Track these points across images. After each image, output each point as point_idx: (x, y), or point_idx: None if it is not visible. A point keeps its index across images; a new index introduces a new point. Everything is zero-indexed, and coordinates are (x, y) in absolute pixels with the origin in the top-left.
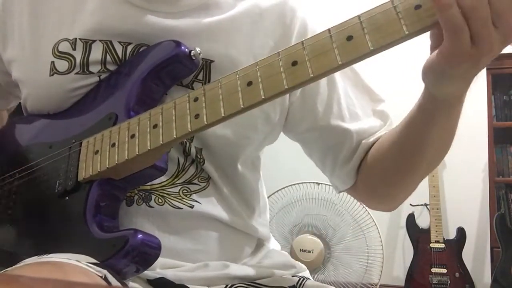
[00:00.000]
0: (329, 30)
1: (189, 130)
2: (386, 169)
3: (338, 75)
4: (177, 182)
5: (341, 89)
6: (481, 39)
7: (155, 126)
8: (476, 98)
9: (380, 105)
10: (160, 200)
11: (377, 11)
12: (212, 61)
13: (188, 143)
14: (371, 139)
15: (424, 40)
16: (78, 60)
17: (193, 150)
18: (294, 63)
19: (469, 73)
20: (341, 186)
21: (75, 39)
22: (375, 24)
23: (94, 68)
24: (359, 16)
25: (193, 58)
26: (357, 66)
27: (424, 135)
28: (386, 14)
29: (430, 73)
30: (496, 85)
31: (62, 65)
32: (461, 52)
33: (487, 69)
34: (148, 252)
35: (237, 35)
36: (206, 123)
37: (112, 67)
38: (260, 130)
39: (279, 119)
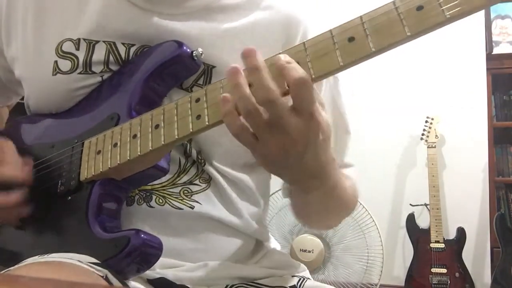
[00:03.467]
0: (330, 31)
1: (191, 130)
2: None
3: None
4: (178, 182)
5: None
6: (260, 139)
7: (157, 126)
8: (476, 98)
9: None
10: (160, 200)
11: (379, 12)
12: (214, 67)
13: (188, 144)
14: None
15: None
16: (81, 60)
17: (193, 152)
18: None
19: (286, 166)
20: (283, 193)
21: (79, 39)
22: (377, 25)
23: (96, 68)
24: (361, 17)
25: (195, 58)
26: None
27: (302, 206)
28: (387, 15)
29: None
30: (496, 85)
31: (65, 64)
32: (252, 149)
33: (487, 69)
34: (149, 252)
35: (241, 44)
36: (207, 123)
37: (114, 68)
38: None
39: None
